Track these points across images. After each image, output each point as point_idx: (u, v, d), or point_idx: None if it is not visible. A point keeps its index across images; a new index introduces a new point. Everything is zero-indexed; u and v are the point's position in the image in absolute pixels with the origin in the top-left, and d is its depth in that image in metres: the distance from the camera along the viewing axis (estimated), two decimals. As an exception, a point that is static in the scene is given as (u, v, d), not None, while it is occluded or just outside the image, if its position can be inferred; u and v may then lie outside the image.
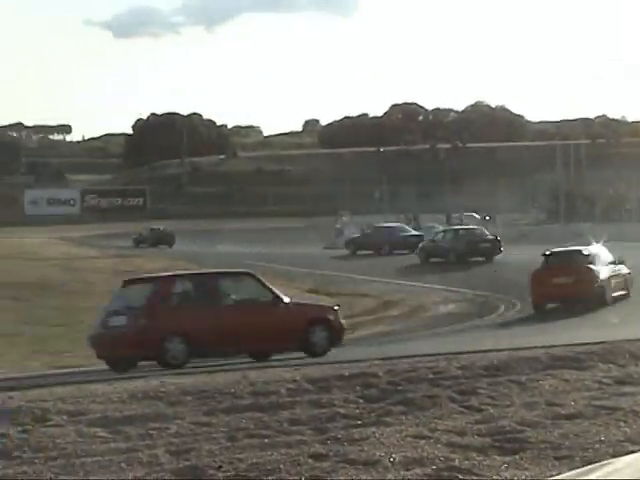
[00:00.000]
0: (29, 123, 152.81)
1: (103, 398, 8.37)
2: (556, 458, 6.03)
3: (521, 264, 28.39)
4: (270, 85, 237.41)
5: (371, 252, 45.81)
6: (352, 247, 47.90)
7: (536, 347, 10.85)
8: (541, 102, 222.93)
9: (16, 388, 9.81)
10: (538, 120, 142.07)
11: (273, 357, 15.32)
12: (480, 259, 37.45)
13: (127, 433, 7.13)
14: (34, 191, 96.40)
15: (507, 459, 6.01)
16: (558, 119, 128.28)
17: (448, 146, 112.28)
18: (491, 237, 40.02)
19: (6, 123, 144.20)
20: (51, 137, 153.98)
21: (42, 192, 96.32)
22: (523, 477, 5.57)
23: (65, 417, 7.68)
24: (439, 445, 6.31)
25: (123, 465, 6.15)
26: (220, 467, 5.92)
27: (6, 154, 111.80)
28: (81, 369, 16.24)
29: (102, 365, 16.77)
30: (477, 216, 64.06)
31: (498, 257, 37.15)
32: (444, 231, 42.83)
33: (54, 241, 65.20)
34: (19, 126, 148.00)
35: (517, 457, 6.06)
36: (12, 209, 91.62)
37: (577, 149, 69.91)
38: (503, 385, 8.50)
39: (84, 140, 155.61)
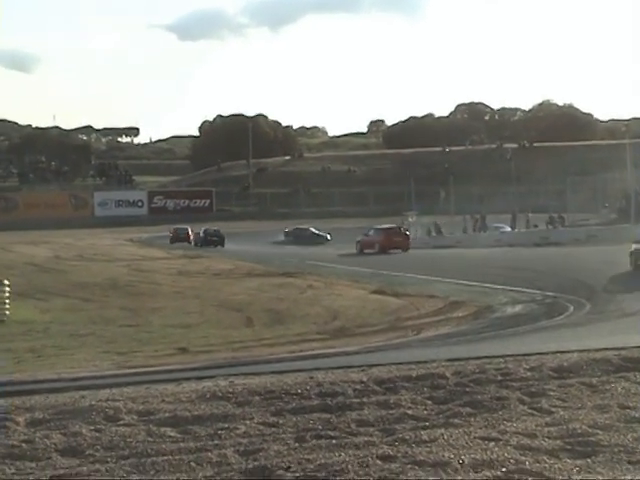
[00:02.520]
0: (98, 126, 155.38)
1: (172, 398, 8.44)
2: (630, 462, 5.94)
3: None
4: (335, 86, 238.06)
5: None
6: None
7: (607, 349, 10.68)
8: (610, 100, 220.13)
9: (87, 387, 9.93)
10: (607, 118, 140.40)
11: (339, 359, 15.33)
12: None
13: (196, 433, 7.17)
14: (103, 193, 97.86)
15: (579, 462, 5.92)
16: (628, 117, 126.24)
17: (515, 146, 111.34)
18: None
19: (76, 126, 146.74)
20: (119, 140, 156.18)
21: (111, 194, 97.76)
22: (596, 481, 5.49)
23: (135, 416, 7.75)
24: (509, 447, 6.25)
25: (193, 464, 6.19)
26: (289, 468, 5.93)
27: (76, 157, 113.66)
28: (150, 369, 16.39)
29: (170, 366, 16.94)
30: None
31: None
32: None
33: (122, 242, 66.09)
34: (88, 129, 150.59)
35: (589, 460, 5.97)
36: (82, 211, 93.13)
37: (648, 147, 68.45)
38: (574, 387, 8.39)
39: (151, 142, 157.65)
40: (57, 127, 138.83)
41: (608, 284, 28.43)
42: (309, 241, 70.28)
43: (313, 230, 73.90)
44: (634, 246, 35.32)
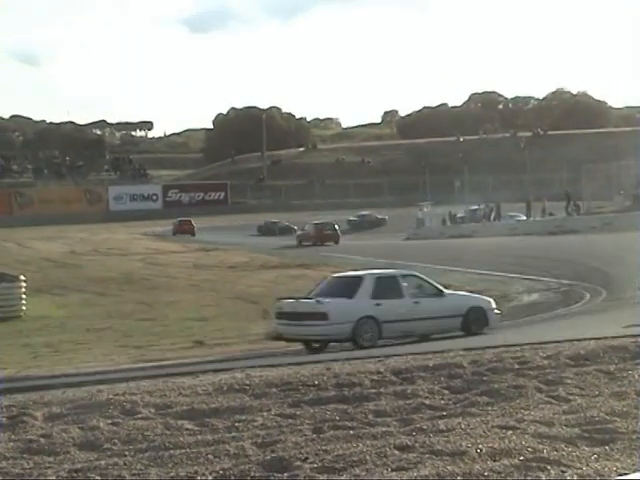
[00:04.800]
0: (112, 120, 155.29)
1: (189, 391, 8.45)
2: (648, 449, 5.91)
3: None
4: (348, 76, 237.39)
5: None
6: None
7: (624, 336, 10.65)
8: (625, 87, 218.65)
9: (104, 382, 9.96)
10: (622, 106, 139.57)
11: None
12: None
13: (214, 425, 7.18)
14: (118, 187, 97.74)
15: (597, 450, 5.90)
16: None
17: (529, 134, 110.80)
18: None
19: (90, 121, 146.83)
20: (133, 134, 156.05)
21: (125, 188, 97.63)
22: (614, 468, 5.46)
23: (153, 410, 7.77)
24: (526, 436, 6.23)
25: (210, 457, 6.20)
26: (306, 459, 5.92)
27: (90, 151, 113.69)
28: (166, 362, 16.44)
29: (187, 359, 16.97)
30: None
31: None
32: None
33: (138, 236, 66.14)
34: (102, 124, 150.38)
35: (607, 448, 5.95)
36: (97, 205, 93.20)
37: (663, 134, 67.86)
38: (591, 375, 8.36)
39: (165, 136, 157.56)
40: (71, 122, 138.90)
41: (624, 271, 28.28)
42: None
43: None
44: None
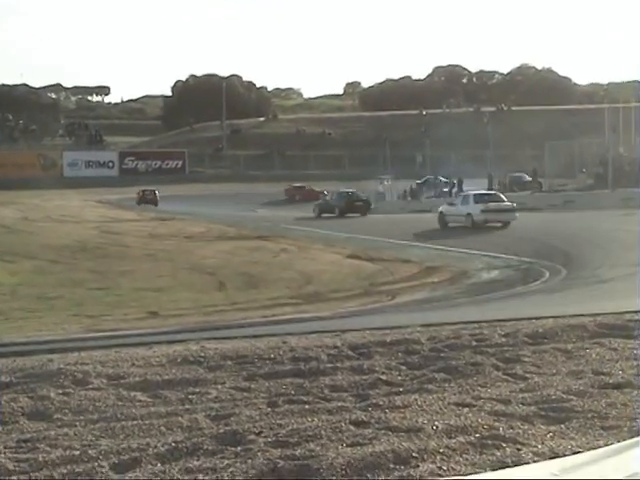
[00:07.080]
0: (68, 84, 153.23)
1: (142, 362, 8.33)
2: (603, 428, 5.90)
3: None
4: (311, 46, 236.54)
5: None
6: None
7: (582, 315, 10.67)
8: (589, 64, 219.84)
9: (55, 351, 9.80)
10: (586, 82, 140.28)
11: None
12: None
13: (167, 397, 7.09)
14: (72, 153, 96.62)
15: (552, 428, 5.88)
16: (607, 81, 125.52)
17: (492, 109, 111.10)
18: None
19: (45, 84, 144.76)
20: (90, 99, 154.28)
21: (80, 154, 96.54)
22: (569, 447, 5.44)
23: (105, 380, 7.65)
24: (482, 413, 6.19)
25: (163, 429, 6.11)
26: (260, 433, 5.85)
27: (45, 115, 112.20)
28: (119, 333, 16.27)
29: (141, 329, 16.81)
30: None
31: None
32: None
33: (92, 204, 65.61)
34: (58, 87, 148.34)
35: (563, 426, 5.93)
36: (51, 171, 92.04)
37: (626, 112, 68.32)
38: (548, 353, 8.35)
39: (122, 102, 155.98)
40: (25, 85, 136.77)
41: (583, 250, 28.52)
42: None
43: None
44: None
